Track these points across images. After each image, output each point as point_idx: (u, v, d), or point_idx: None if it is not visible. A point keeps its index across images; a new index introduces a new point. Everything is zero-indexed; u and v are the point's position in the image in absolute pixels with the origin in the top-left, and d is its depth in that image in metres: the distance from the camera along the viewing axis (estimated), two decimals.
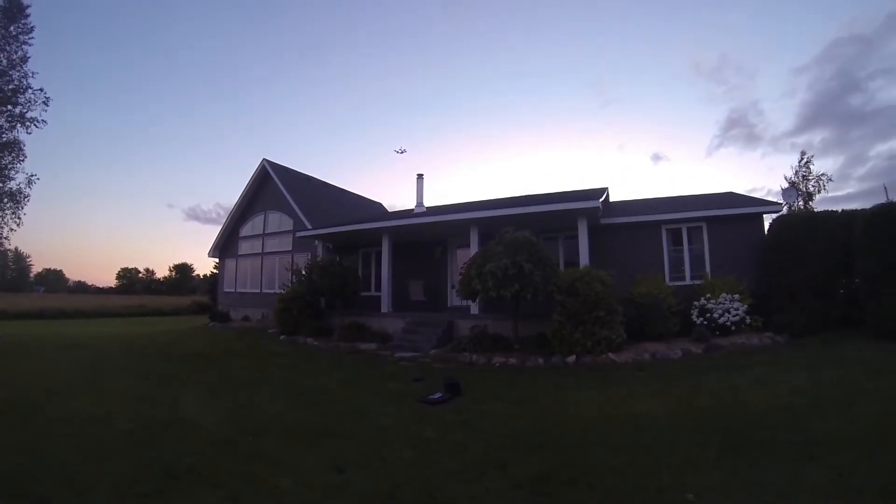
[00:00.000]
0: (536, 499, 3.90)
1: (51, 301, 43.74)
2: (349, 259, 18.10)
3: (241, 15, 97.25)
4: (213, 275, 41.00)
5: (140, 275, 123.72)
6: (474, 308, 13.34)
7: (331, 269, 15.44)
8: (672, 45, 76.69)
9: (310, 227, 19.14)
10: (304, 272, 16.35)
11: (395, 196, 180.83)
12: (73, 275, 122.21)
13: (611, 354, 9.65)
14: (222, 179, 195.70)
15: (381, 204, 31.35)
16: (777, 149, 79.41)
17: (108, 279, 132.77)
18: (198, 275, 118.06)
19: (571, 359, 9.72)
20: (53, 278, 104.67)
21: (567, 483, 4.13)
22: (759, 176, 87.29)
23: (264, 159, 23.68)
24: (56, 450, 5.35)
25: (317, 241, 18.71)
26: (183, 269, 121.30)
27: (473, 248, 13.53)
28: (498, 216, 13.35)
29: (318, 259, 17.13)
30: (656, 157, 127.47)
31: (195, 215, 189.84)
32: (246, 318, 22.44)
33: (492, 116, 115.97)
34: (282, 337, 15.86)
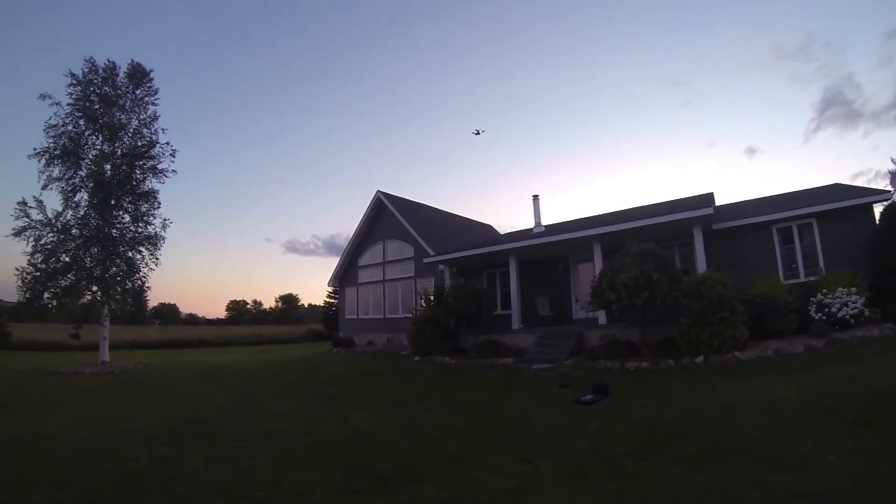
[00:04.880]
0: (704, 467, 4.58)
1: (172, 332, 46.39)
2: (473, 281, 19.42)
3: (327, 46, 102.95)
4: (326, 304, 43.71)
5: (248, 306, 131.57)
6: (601, 319, 14.46)
7: (465, 291, 16.84)
8: (748, 30, 72.59)
9: (432, 252, 20.78)
10: (431, 297, 17.97)
11: (500, 216, 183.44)
12: (185, 308, 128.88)
13: (736, 353, 10.54)
14: (316, 212, 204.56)
15: (491, 226, 32.68)
16: (880, 124, 72.74)
17: (218, 311, 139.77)
18: (302, 304, 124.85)
19: (700, 359, 10.73)
20: (168, 312, 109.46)
21: (725, 454, 4.87)
22: (865, 156, 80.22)
23: (378, 191, 25.75)
24: (256, 462, 5.79)
25: (441, 266, 20.28)
26: (289, 300, 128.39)
27: (597, 262, 14.74)
28: (619, 230, 14.49)
29: (449, 283, 18.78)
30: (750, 151, 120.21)
31: (293, 248, 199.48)
32: (370, 343, 24.00)
33: (579, 133, 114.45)
34: (416, 357, 16.95)
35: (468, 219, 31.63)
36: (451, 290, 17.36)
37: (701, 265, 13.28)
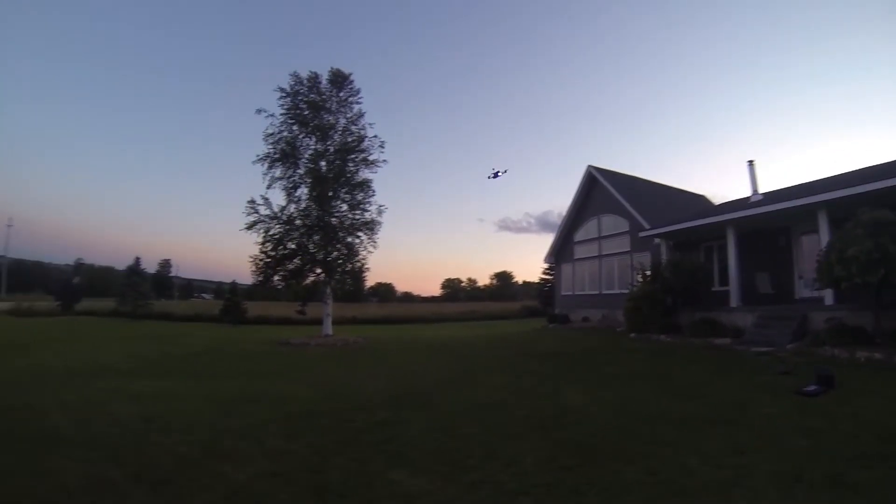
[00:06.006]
0: None
1: (389, 309, 50.48)
2: (690, 255, 18.95)
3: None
4: (542, 280, 45.23)
5: (462, 284, 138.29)
6: (828, 299, 13.26)
7: (681, 266, 16.67)
8: None
9: (647, 226, 20.76)
10: (647, 272, 18.07)
11: (711, 184, 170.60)
12: (401, 287, 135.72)
13: None
14: (528, 190, 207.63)
15: (704, 196, 30.84)
16: None
17: (433, 289, 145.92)
18: (517, 281, 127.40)
19: None
20: (384, 290, 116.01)
21: None
22: None
23: (590, 165, 26.26)
24: (469, 431, 6.06)
25: (657, 240, 20.19)
26: (503, 277, 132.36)
27: (822, 233, 13.45)
28: (847, 196, 12.85)
29: (665, 257, 18.73)
30: None
31: (506, 226, 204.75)
32: (586, 319, 24.44)
33: (793, 90, 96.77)
34: (632, 334, 16.96)
35: (681, 189, 30.05)
36: (667, 265, 17.28)
37: None
